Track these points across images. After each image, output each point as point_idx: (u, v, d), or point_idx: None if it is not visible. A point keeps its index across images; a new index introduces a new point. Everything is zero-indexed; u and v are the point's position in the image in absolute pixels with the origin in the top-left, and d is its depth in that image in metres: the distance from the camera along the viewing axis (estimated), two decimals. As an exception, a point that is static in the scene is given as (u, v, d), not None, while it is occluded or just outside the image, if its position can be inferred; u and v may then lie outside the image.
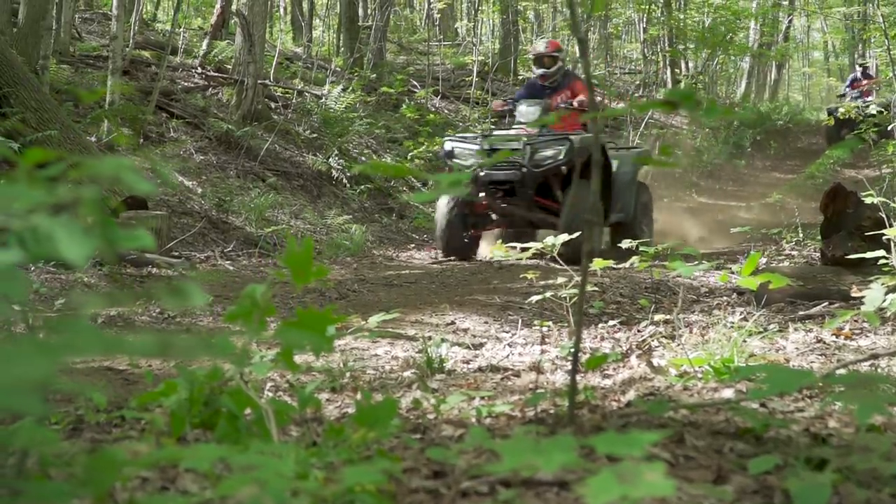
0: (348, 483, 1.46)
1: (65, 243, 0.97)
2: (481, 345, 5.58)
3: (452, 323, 6.37)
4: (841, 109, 23.58)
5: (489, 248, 10.30)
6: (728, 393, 3.19)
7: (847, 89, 25.61)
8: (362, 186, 14.71)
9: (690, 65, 30.15)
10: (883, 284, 4.08)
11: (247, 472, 1.33)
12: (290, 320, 2.42)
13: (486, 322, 6.45)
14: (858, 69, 26.59)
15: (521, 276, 5.74)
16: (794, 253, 11.04)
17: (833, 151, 23.39)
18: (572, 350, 4.55)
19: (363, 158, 15.87)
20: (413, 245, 13.17)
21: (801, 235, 11.91)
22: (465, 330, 6.15)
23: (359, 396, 3.84)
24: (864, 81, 25.34)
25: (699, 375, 3.70)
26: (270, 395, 3.69)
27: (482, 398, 3.51)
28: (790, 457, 2.23)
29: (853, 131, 24.00)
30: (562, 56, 12.28)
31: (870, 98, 23.99)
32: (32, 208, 1.04)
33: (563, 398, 3.03)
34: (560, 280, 5.27)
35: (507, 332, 6.06)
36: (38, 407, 0.80)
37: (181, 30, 18.27)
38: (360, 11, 22.98)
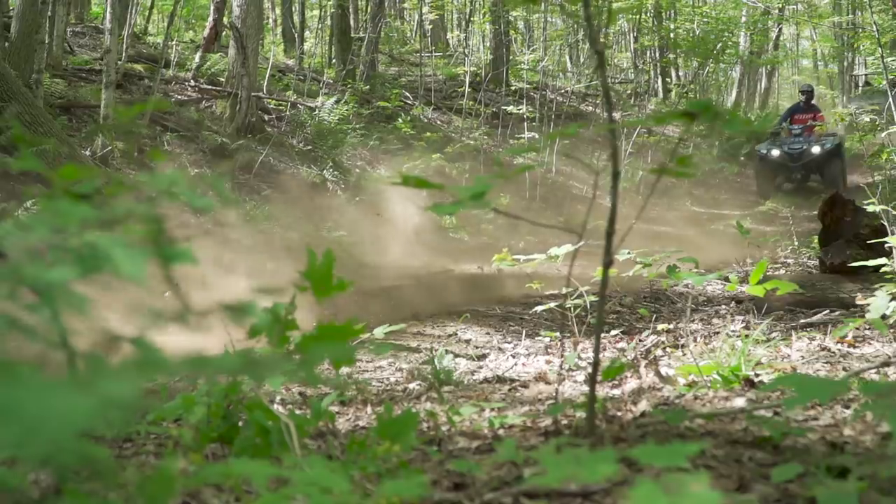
0: (388, 496, 1.46)
1: (123, 261, 0.97)
2: (484, 356, 5.58)
3: (454, 334, 6.38)
4: (775, 152, 20.13)
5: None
6: (740, 402, 3.20)
7: (784, 124, 20.91)
8: (357, 198, 14.72)
9: (681, 74, 30.22)
10: (888, 293, 4.09)
11: (291, 487, 1.33)
12: (310, 333, 2.42)
13: (487, 333, 6.46)
14: (801, 97, 21.58)
15: (527, 285, 5.74)
16: (790, 261, 11.07)
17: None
18: (578, 361, 4.56)
19: (357, 171, 15.87)
20: (409, 256, 13.18)
21: (796, 243, 11.94)
22: (468, 341, 6.16)
23: (369, 409, 3.85)
24: (809, 115, 20.73)
25: (707, 384, 3.71)
26: (280, 408, 3.68)
27: (493, 409, 3.52)
28: (811, 465, 2.24)
29: (795, 178, 20.06)
30: None
31: (823, 142, 20.05)
32: (84, 225, 1.05)
33: (575, 409, 3.03)
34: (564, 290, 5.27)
35: (509, 343, 6.06)
36: (127, 425, 0.80)
37: (173, 43, 18.27)
38: (352, 23, 23.00)
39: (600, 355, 5.21)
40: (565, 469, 1.36)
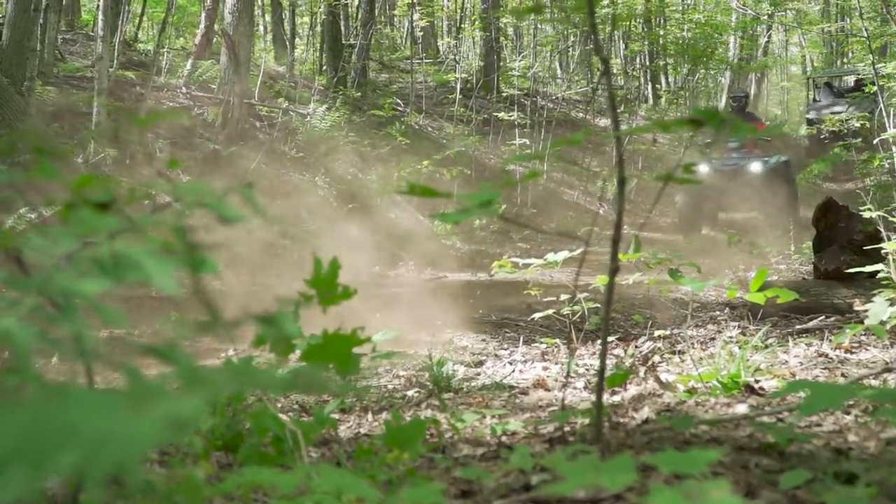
0: (406, 502, 1.46)
1: (155, 272, 0.97)
2: (481, 362, 5.58)
3: (450, 341, 6.38)
4: (704, 169, 15.49)
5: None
6: (742, 408, 3.20)
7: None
8: (350, 206, 14.72)
9: (671, 80, 30.30)
10: (887, 299, 4.10)
11: (307, 494, 1.33)
12: (315, 343, 2.41)
13: (483, 340, 6.47)
14: (732, 104, 17.51)
15: (525, 292, 5.74)
16: (783, 266, 11.10)
17: (817, 165, 21.01)
18: (576, 367, 4.56)
19: (349, 177, 15.88)
20: (402, 263, 13.19)
21: (792, 248, 11.98)
22: (464, 348, 6.16)
23: (370, 416, 3.85)
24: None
25: (707, 391, 3.72)
26: (284, 416, 3.67)
27: (494, 416, 3.52)
28: (818, 472, 2.24)
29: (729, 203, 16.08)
30: None
31: (765, 159, 16.14)
32: (113, 234, 1.05)
33: (579, 416, 3.04)
34: (563, 297, 5.28)
35: (505, 350, 6.07)
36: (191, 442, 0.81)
37: (164, 50, 18.25)
38: (343, 29, 23.00)
39: (597, 362, 5.22)
40: (584, 476, 1.36)
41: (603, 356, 2.38)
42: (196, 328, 1.10)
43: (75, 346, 1.02)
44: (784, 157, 16.56)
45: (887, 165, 12.08)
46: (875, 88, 11.13)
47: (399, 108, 20.60)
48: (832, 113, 22.47)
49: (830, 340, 5.08)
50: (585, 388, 4.23)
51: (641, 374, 4.09)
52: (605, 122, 23.94)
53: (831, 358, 4.68)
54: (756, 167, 15.89)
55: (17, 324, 0.95)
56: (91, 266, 1.02)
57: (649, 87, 29.17)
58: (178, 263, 1.03)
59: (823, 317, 6.17)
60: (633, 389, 3.95)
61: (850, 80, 26.39)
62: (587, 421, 3.04)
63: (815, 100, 26.27)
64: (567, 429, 3.06)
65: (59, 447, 0.73)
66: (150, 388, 0.83)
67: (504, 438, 3.03)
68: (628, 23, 25.66)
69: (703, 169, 15.72)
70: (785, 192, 15.81)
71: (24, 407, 0.77)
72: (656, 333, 5.82)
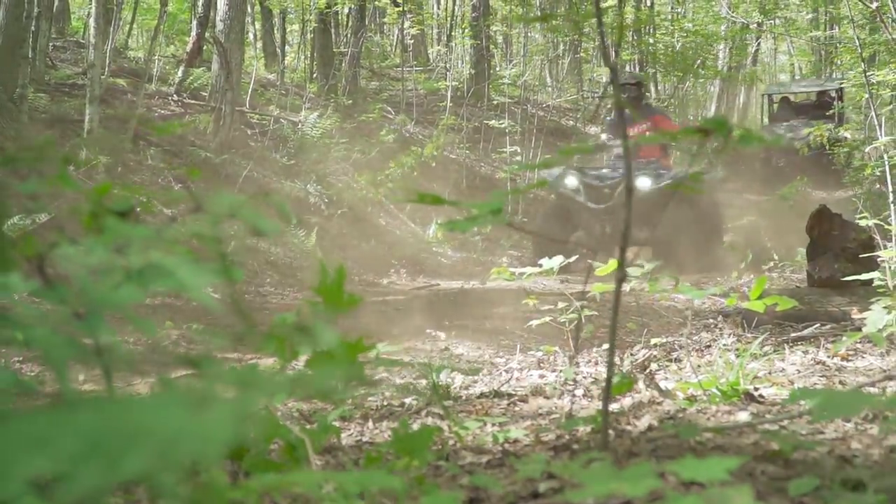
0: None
1: (191, 281, 0.98)
2: (477, 370, 5.59)
3: (446, 349, 6.39)
4: (572, 182, 11.93)
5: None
6: (744, 416, 3.22)
7: (609, 137, 12.82)
8: (339, 211, 14.72)
9: (661, 88, 30.37)
10: (885, 307, 4.13)
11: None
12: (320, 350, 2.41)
13: (479, 347, 6.48)
14: (624, 94, 12.41)
15: (523, 301, 5.75)
16: (775, 274, 11.14)
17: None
18: (574, 375, 4.57)
19: (340, 184, 15.88)
20: (393, 271, 13.19)
21: (776, 257, 12.01)
22: (460, 356, 6.17)
23: (370, 424, 3.86)
24: (641, 124, 12.10)
25: (706, 398, 3.73)
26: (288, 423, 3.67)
27: (494, 424, 3.52)
28: (825, 479, 2.25)
29: (598, 230, 12.02)
30: None
31: (659, 172, 11.87)
32: (147, 245, 1.05)
33: (583, 423, 3.05)
34: (560, 305, 5.29)
35: (501, 358, 6.08)
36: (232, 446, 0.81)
37: (156, 57, 18.23)
38: (333, 38, 23.01)
39: (594, 370, 5.24)
40: (603, 483, 1.37)
41: (610, 363, 2.39)
42: (231, 338, 1.10)
43: (102, 356, 1.02)
44: (680, 174, 11.77)
45: (879, 174, 12.09)
46: (865, 97, 11.18)
47: (390, 116, 20.62)
48: (790, 132, 20.87)
49: (827, 348, 5.10)
50: (585, 395, 4.24)
51: (640, 381, 4.10)
52: (595, 129, 23.99)
53: (828, 366, 4.69)
54: (644, 183, 11.20)
55: (52, 334, 0.95)
56: (122, 275, 1.02)
57: (639, 95, 29.23)
58: (210, 272, 1.04)
59: (818, 324, 6.19)
60: (632, 397, 3.96)
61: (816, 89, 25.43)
62: (589, 429, 3.05)
63: (771, 117, 24.49)
64: (569, 437, 3.06)
65: (130, 446, 0.74)
66: (197, 393, 0.83)
67: (507, 446, 3.04)
68: (619, 31, 25.73)
69: (572, 182, 11.83)
70: (687, 221, 11.80)
71: (86, 410, 0.77)
72: (652, 341, 5.83)
